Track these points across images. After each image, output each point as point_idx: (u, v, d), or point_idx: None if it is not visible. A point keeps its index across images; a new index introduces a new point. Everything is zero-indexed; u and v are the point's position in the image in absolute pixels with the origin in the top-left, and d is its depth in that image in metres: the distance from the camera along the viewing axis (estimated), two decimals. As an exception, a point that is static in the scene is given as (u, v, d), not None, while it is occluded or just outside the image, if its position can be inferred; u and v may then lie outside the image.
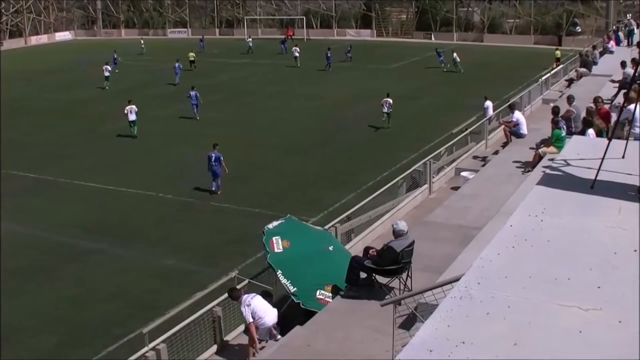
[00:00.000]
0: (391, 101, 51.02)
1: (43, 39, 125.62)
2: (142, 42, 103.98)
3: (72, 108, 61.68)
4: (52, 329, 23.67)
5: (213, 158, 36.70)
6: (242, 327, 17.68)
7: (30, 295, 26.27)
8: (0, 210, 33.95)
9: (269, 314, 16.21)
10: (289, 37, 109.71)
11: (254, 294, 16.41)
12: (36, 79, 79.82)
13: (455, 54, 74.37)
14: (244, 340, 16.90)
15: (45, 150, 46.47)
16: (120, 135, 50.33)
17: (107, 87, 71.92)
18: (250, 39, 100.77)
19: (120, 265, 28.63)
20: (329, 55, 78.98)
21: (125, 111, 50.10)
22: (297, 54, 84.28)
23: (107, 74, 72.64)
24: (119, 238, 31.46)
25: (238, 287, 16.76)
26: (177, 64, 73.42)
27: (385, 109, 50.76)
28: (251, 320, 15.95)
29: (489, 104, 40.83)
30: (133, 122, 50.07)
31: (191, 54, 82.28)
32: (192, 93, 55.35)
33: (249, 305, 15.98)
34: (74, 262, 29.08)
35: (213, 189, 37.19)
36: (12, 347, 22.69)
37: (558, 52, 70.71)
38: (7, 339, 23.15)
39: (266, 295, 16.65)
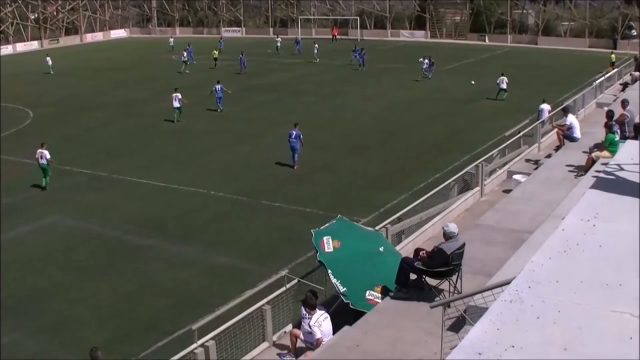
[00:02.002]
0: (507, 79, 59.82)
1: (98, 36, 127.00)
2: (171, 40, 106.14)
3: (130, 105, 62.26)
4: (105, 322, 23.95)
5: (293, 135, 40.87)
6: (289, 327, 17.77)
7: (86, 289, 26.63)
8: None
9: (328, 336, 16.21)
10: (335, 36, 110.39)
11: (325, 314, 16.39)
12: (99, 76, 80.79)
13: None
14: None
15: (104, 147, 46.92)
16: (177, 133, 50.84)
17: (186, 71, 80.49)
18: (279, 39, 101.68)
19: (173, 261, 28.88)
20: (359, 53, 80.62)
21: (172, 98, 54.69)
22: (315, 51, 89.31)
23: (184, 59, 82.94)
24: (173, 235, 31.72)
25: (311, 294, 16.65)
26: (241, 56, 79.64)
27: (504, 85, 59.52)
28: (320, 336, 15.98)
29: (544, 106, 40.44)
30: (178, 108, 54.82)
31: (215, 52, 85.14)
32: (218, 87, 58.53)
33: (319, 327, 16.01)
34: (128, 258, 29.41)
35: (295, 162, 41.16)
36: (64, 340, 23.06)
37: (613, 56, 70.02)
38: (61, 331, 23.58)
39: (313, 295, 16.64)
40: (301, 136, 40.99)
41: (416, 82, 70.55)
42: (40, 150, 38.78)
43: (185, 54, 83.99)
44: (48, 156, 38.67)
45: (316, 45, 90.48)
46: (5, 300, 25.55)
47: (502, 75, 60.52)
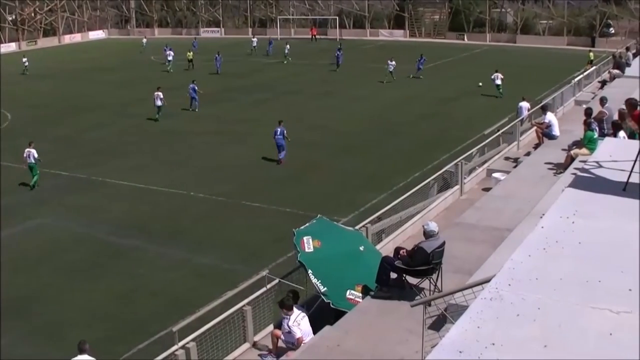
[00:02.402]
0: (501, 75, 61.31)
1: (77, 37, 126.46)
2: (144, 40, 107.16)
3: (111, 107, 62.10)
4: (92, 324, 23.90)
5: (278, 132, 42.32)
6: (271, 327, 17.76)
7: (73, 290, 26.64)
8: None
9: (308, 336, 16.21)
10: (314, 36, 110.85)
11: (302, 314, 16.40)
12: (79, 77, 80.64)
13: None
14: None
15: (89, 149, 46.79)
16: (162, 134, 50.84)
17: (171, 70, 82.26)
18: (256, 39, 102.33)
19: (160, 263, 28.92)
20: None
21: (153, 97, 55.83)
22: (286, 51, 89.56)
23: (170, 58, 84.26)
24: (159, 236, 31.77)
25: (289, 294, 16.67)
26: (217, 56, 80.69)
27: (499, 81, 60.91)
28: (300, 336, 15.97)
29: (523, 104, 40.55)
30: (159, 107, 55.85)
31: (189, 53, 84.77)
32: (191, 86, 59.45)
33: (298, 326, 16.01)
34: (117, 260, 29.44)
35: (280, 158, 42.49)
36: (56, 341, 23.04)
37: (592, 55, 70.21)
38: (51, 333, 23.63)
39: (292, 296, 16.63)
40: (285, 132, 42.30)
41: (381, 83, 70.51)
42: (27, 149, 39.31)
43: (171, 52, 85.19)
44: (36, 155, 39.08)
45: (287, 46, 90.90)
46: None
47: (497, 71, 61.96)
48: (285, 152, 42.61)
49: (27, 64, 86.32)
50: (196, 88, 59.49)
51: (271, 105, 60.36)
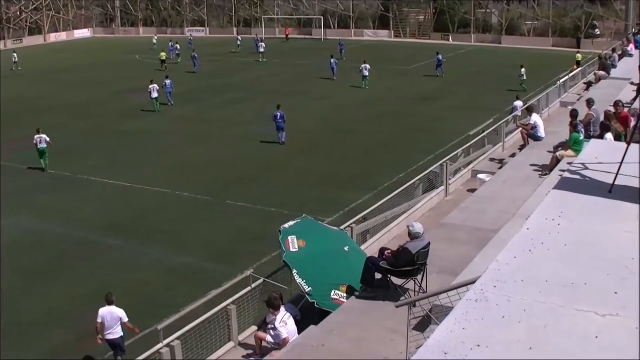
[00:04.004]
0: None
1: (62, 36, 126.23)
2: (155, 38, 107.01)
3: (90, 105, 61.97)
4: (68, 324, 23.78)
5: (279, 116, 45.88)
6: (254, 327, 17.75)
7: (46, 291, 26.43)
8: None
9: (294, 336, 16.20)
10: (287, 36, 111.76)
11: (289, 314, 16.38)
12: (60, 76, 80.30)
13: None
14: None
15: (63, 147, 46.59)
16: (141, 133, 50.75)
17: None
18: (240, 38, 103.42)
19: (136, 262, 28.74)
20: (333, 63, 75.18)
21: (149, 89, 58.23)
22: (262, 50, 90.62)
23: (177, 52, 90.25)
24: (136, 235, 31.63)
25: (276, 295, 16.68)
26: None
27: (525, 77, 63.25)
28: (286, 335, 15.96)
29: (518, 103, 40.80)
30: (156, 99, 58.38)
31: (162, 54, 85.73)
32: (167, 82, 61.40)
33: (284, 326, 16.00)
34: (91, 259, 29.23)
35: (282, 141, 46.26)
36: (28, 343, 22.93)
37: (579, 56, 70.28)
38: (23, 334, 23.40)
39: (277, 296, 16.61)
40: (284, 116, 45.95)
41: (388, 81, 70.75)
42: (37, 135, 41.71)
43: (177, 46, 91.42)
44: (48, 139, 41.74)
45: (262, 44, 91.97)
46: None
47: (522, 67, 63.88)
48: (285, 133, 46.13)
49: (16, 59, 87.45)
50: (171, 83, 61.65)
51: (245, 105, 60.88)
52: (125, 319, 19.88)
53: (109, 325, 19.79)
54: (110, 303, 19.84)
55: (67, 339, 22.97)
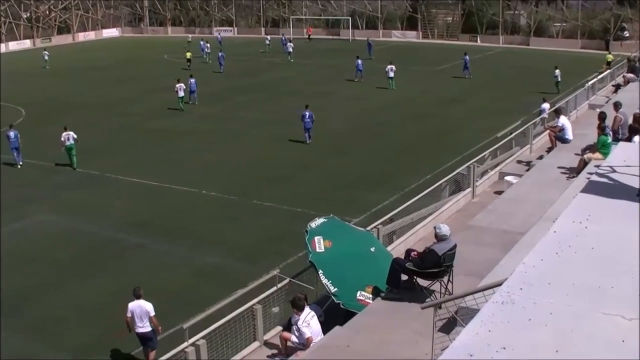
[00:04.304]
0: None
1: (90, 35, 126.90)
2: (189, 37, 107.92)
3: (120, 104, 62.31)
4: (95, 321, 23.92)
5: (307, 115, 46.10)
6: (280, 327, 17.76)
7: (74, 288, 26.58)
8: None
9: (318, 335, 16.22)
10: (309, 36, 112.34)
11: (312, 314, 16.40)
12: (91, 74, 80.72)
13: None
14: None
15: (93, 145, 46.82)
16: (168, 132, 50.93)
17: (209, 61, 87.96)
18: (270, 38, 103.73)
19: (163, 261, 28.82)
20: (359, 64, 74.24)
21: (176, 88, 58.84)
22: (290, 50, 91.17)
23: (208, 50, 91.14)
24: (163, 234, 31.69)
25: (300, 295, 16.72)
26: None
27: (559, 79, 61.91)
28: (309, 335, 15.98)
29: (546, 105, 40.63)
30: (181, 98, 59.03)
31: (188, 53, 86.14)
32: (192, 81, 62.09)
33: (308, 326, 16.02)
34: (118, 257, 29.37)
35: (308, 141, 46.48)
36: (54, 338, 23.07)
37: (610, 56, 69.80)
38: (50, 330, 23.56)
39: (302, 297, 16.63)
40: (313, 116, 46.16)
41: (417, 82, 70.70)
42: (65, 133, 42.18)
43: (208, 44, 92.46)
44: (75, 136, 42.28)
45: (290, 44, 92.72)
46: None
47: (556, 68, 62.55)
48: (311, 133, 46.51)
49: (47, 57, 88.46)
50: (196, 82, 62.41)
51: (273, 105, 61.03)
52: (152, 313, 20.02)
53: (138, 318, 20.00)
54: (138, 297, 20.09)
55: (95, 334, 23.08)
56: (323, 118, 50.67)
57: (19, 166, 42.66)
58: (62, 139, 41.82)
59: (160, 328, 20.53)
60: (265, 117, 55.44)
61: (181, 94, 58.83)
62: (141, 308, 19.98)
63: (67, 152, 42.01)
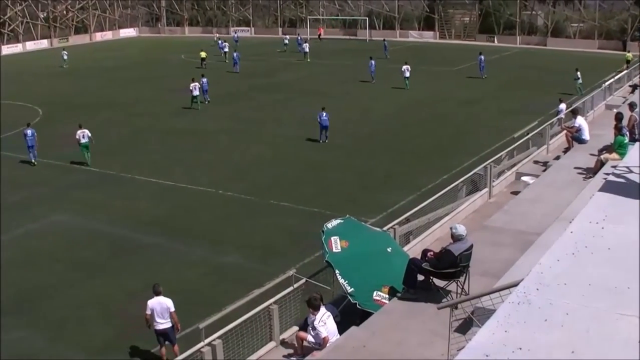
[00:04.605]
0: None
1: (108, 35, 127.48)
2: (216, 36, 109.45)
3: (136, 104, 62.53)
4: (111, 320, 24.02)
5: (324, 115, 46.68)
6: (296, 327, 17.77)
7: (90, 287, 26.69)
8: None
9: (334, 335, 16.24)
10: (319, 36, 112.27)
11: (328, 313, 16.43)
12: (107, 74, 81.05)
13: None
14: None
15: (110, 145, 47.06)
16: (184, 131, 51.05)
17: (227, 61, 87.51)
18: (288, 37, 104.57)
19: (179, 260, 28.86)
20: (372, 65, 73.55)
21: (190, 87, 59.18)
22: (307, 50, 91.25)
23: (226, 50, 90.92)
24: (179, 234, 31.75)
25: (316, 295, 16.75)
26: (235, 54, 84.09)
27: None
28: (326, 335, 16.01)
29: (563, 106, 40.61)
30: (196, 97, 59.41)
31: (202, 52, 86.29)
32: (204, 80, 62.43)
33: (324, 325, 16.05)
34: (134, 257, 29.43)
35: (322, 140, 46.97)
36: (71, 337, 23.21)
37: (629, 55, 69.52)
38: (66, 328, 23.70)
39: (317, 296, 16.66)
40: (328, 116, 46.76)
41: (434, 82, 70.65)
42: (80, 131, 42.95)
43: (226, 44, 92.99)
44: (89, 134, 42.97)
45: (306, 44, 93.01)
46: (10, 298, 25.67)
47: (577, 70, 61.47)
48: (327, 133, 46.93)
49: (66, 57, 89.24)
50: (207, 81, 62.78)
51: (290, 105, 61.21)
52: (173, 309, 20.23)
53: (158, 315, 20.15)
54: (157, 293, 20.27)
55: (113, 334, 23.19)
56: (339, 118, 50.71)
57: (34, 164, 43.14)
58: (77, 136, 42.44)
59: (179, 325, 20.60)
60: (282, 117, 55.56)
61: (196, 93, 59.23)
62: (161, 305, 20.15)
63: (82, 150, 42.57)
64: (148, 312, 20.17)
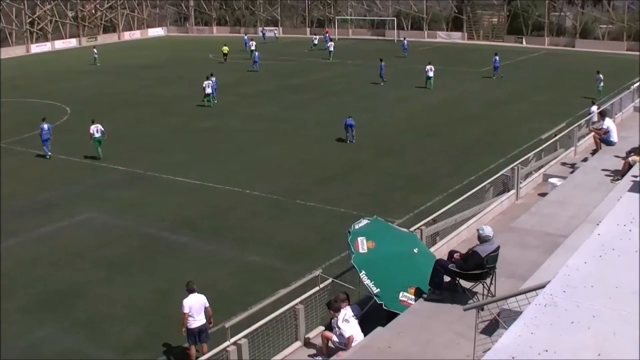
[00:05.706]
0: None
1: (136, 34, 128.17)
2: (245, 37, 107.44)
3: (165, 103, 62.76)
4: (139, 319, 24.18)
5: (348, 121, 46.87)
6: (322, 327, 17.79)
7: (119, 285, 26.88)
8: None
9: (358, 335, 16.27)
10: (327, 35, 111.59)
11: (351, 313, 16.47)
12: (136, 73, 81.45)
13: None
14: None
15: (139, 144, 47.36)
16: (208, 130, 51.24)
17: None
18: (318, 37, 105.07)
19: (206, 260, 29.01)
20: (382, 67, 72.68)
21: (204, 85, 60.28)
22: (332, 49, 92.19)
23: (252, 48, 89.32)
24: (206, 233, 31.91)
25: (337, 297, 16.83)
26: (256, 54, 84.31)
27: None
28: (350, 334, 16.05)
29: (594, 108, 40.49)
30: (208, 95, 60.38)
31: (224, 47, 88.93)
32: (213, 79, 62.35)
33: (347, 322, 16.10)
34: (163, 255, 29.63)
35: (349, 140, 47.08)
36: (100, 335, 23.33)
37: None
38: (96, 326, 23.81)
39: (337, 297, 16.72)
40: (353, 120, 46.88)
41: (463, 84, 70.57)
42: (93, 125, 44.45)
43: (253, 42, 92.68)
44: (102, 129, 44.37)
45: (332, 43, 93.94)
46: (39, 295, 25.90)
47: (598, 73, 61.58)
48: (354, 133, 47.05)
49: (96, 55, 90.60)
50: (216, 80, 63.01)
51: (317, 105, 61.15)
52: (207, 304, 20.44)
53: (196, 312, 20.26)
54: (192, 291, 20.36)
55: (143, 332, 23.35)
56: (368, 119, 50.77)
57: (49, 156, 44.34)
58: (91, 131, 43.67)
59: (212, 319, 20.70)
60: (310, 117, 55.61)
61: (208, 90, 60.05)
62: (199, 301, 20.31)
63: (95, 144, 43.83)
64: (186, 310, 20.20)
